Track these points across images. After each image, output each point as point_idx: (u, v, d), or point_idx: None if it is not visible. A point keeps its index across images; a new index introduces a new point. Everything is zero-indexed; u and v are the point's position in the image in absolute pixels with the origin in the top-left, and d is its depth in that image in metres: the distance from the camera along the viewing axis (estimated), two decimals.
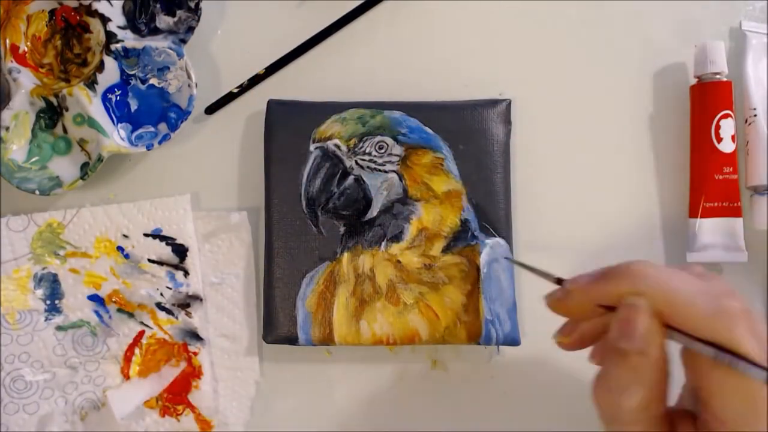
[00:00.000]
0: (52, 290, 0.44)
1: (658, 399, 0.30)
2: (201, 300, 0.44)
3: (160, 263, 0.44)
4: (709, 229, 0.43)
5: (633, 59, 0.46)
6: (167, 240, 0.44)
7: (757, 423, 0.27)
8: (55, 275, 0.44)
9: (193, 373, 0.44)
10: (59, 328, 0.44)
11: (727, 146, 0.43)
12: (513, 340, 0.42)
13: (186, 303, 0.44)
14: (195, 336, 0.44)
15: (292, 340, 0.42)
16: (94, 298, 0.44)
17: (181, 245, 0.44)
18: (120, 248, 0.44)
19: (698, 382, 0.29)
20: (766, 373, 0.25)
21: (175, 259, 0.44)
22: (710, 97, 0.43)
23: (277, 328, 0.42)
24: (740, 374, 0.27)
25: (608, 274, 0.30)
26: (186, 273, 0.44)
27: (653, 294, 0.29)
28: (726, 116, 0.43)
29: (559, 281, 0.33)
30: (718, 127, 0.43)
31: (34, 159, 0.44)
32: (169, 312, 0.44)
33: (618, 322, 0.29)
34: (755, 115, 0.44)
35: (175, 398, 0.44)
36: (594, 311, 0.31)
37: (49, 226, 0.44)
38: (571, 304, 0.32)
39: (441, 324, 0.42)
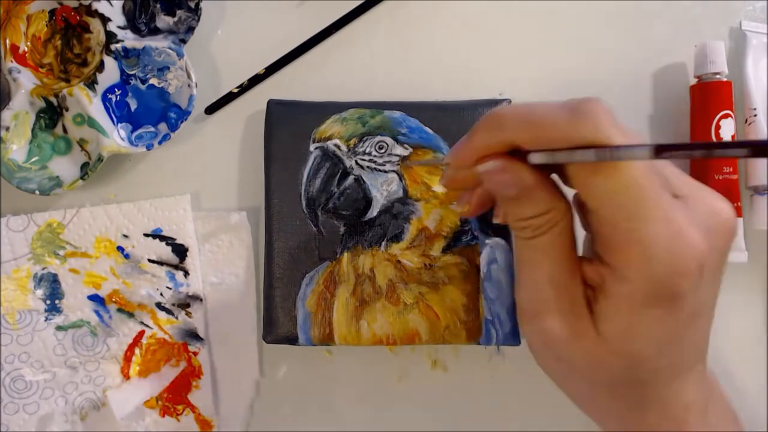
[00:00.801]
0: (52, 290, 0.44)
1: (557, 211, 0.30)
2: (201, 300, 0.44)
3: (160, 263, 0.44)
4: None
5: (633, 59, 0.46)
6: (167, 240, 0.44)
7: (641, 206, 0.27)
8: (55, 275, 0.44)
9: (193, 373, 0.44)
10: (59, 327, 0.44)
11: None
12: (513, 340, 0.42)
13: (186, 303, 0.44)
14: (195, 336, 0.44)
15: (292, 340, 0.42)
16: (94, 298, 0.44)
17: (181, 245, 0.44)
18: (120, 248, 0.44)
19: (586, 198, 0.29)
20: (646, 150, 0.24)
21: (175, 259, 0.44)
22: (710, 97, 0.43)
23: (277, 328, 0.42)
24: (614, 166, 0.27)
25: (475, 130, 0.30)
26: (186, 273, 0.44)
27: (514, 128, 0.29)
28: (726, 116, 0.43)
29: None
30: (718, 127, 0.43)
31: (34, 159, 0.44)
32: (169, 312, 0.44)
33: (494, 183, 0.30)
34: (755, 115, 0.44)
35: (175, 398, 0.44)
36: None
37: (48, 226, 0.44)
38: (460, 176, 0.33)
39: (441, 324, 0.42)
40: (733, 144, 0.22)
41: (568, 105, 0.28)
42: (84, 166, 0.44)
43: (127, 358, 0.44)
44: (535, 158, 0.29)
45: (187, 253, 0.44)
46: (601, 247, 0.30)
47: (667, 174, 0.30)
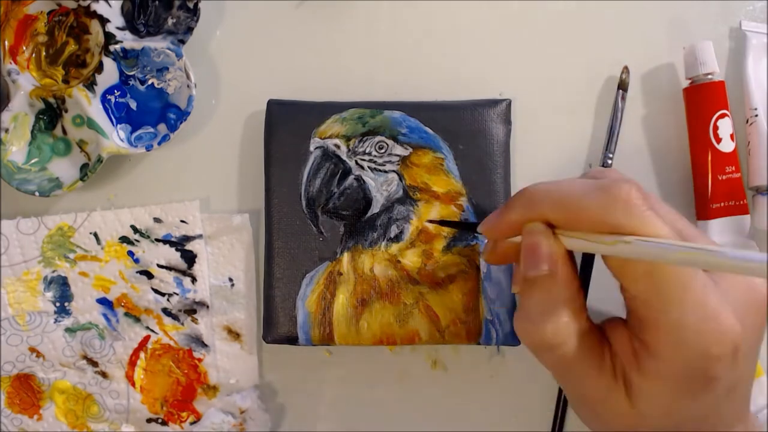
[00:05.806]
0: (62, 293, 0.44)
1: (578, 315, 0.30)
2: (207, 307, 0.44)
3: (169, 269, 0.44)
4: (719, 229, 0.43)
5: (633, 59, 0.46)
6: (176, 246, 0.44)
7: (673, 289, 0.27)
8: (64, 278, 0.44)
9: (198, 380, 0.44)
10: (68, 330, 0.44)
11: (726, 146, 0.43)
12: (513, 340, 0.42)
13: (192, 309, 0.44)
14: (200, 342, 0.44)
15: (292, 340, 0.42)
16: (103, 301, 0.44)
17: (190, 251, 0.44)
18: (130, 253, 0.44)
19: (618, 277, 0.29)
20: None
21: (183, 265, 0.44)
22: (705, 99, 0.43)
23: (277, 328, 0.42)
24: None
25: (508, 206, 0.31)
26: (194, 279, 0.44)
27: (547, 209, 0.29)
28: (722, 116, 0.43)
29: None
30: (715, 127, 0.43)
31: (33, 160, 0.44)
32: (175, 318, 0.44)
33: (522, 253, 0.30)
34: (756, 116, 0.44)
35: (180, 404, 0.44)
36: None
37: (59, 229, 0.44)
38: (500, 249, 0.33)
39: (441, 324, 0.42)
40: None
41: (601, 187, 0.27)
42: (83, 167, 0.44)
43: (132, 363, 0.44)
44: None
45: (196, 260, 0.44)
46: (635, 322, 0.29)
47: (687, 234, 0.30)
